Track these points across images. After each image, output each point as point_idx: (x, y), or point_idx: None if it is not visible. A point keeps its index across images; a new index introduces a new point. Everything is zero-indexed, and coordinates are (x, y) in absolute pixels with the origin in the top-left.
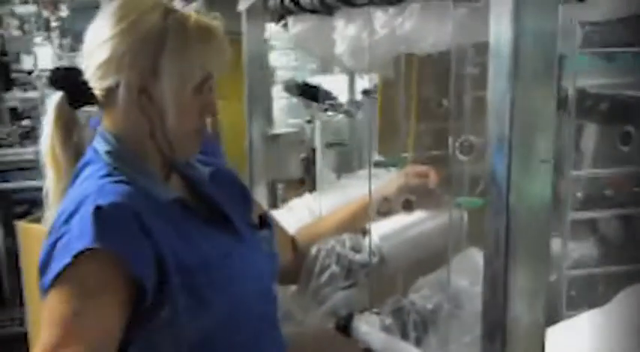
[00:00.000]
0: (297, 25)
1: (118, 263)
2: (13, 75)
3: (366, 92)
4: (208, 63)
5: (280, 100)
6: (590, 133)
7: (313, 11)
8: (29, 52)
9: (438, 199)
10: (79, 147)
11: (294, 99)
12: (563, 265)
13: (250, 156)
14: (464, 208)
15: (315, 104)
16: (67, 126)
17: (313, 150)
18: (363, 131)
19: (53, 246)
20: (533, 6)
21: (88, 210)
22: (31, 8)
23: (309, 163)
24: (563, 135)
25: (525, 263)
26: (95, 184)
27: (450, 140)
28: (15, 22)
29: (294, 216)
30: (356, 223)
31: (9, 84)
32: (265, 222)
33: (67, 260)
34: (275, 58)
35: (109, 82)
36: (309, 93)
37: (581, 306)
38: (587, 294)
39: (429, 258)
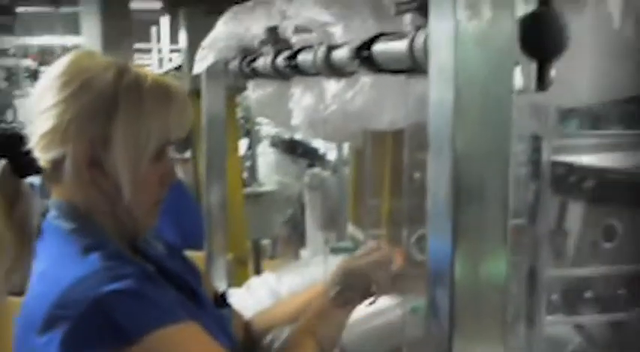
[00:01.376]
0: (256, 91)
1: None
2: None
3: None
4: (167, 128)
5: (266, 157)
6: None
7: (271, 76)
8: (9, 106)
9: (408, 284)
10: (25, 218)
11: (282, 156)
12: None
13: (208, 221)
14: (420, 315)
15: (302, 160)
16: (10, 198)
17: (301, 207)
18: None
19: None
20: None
21: (123, 287)
22: (13, 60)
23: (296, 221)
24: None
25: None
26: (88, 264)
27: (404, 236)
28: (1, 74)
29: (253, 296)
30: None
31: None
32: (224, 300)
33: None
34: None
35: (53, 154)
36: (296, 149)
37: None
38: None
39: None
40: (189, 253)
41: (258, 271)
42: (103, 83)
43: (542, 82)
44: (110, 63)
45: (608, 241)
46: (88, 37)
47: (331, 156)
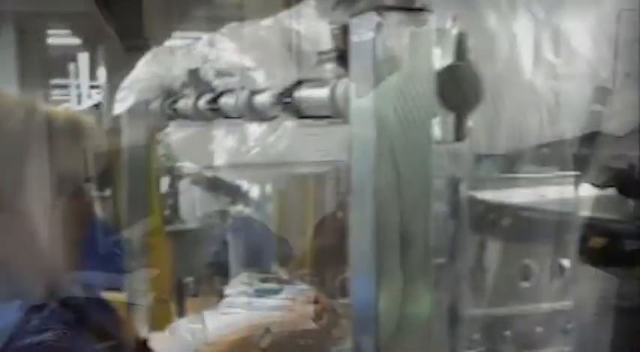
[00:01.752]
0: (178, 132)
1: None
2: None
3: None
4: (81, 166)
5: (189, 194)
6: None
7: (193, 118)
8: None
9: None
10: None
11: (204, 194)
12: None
13: (128, 261)
14: None
15: (224, 198)
16: None
17: (225, 245)
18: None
19: None
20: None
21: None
22: None
23: (220, 258)
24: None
25: None
26: (5, 316)
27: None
28: None
29: (176, 340)
30: None
31: None
32: (146, 346)
33: None
34: None
35: None
36: (218, 187)
37: None
38: None
39: None
40: (111, 295)
41: (181, 310)
42: (12, 125)
43: (459, 132)
44: (19, 103)
45: (524, 280)
46: (2, 73)
47: (254, 193)
